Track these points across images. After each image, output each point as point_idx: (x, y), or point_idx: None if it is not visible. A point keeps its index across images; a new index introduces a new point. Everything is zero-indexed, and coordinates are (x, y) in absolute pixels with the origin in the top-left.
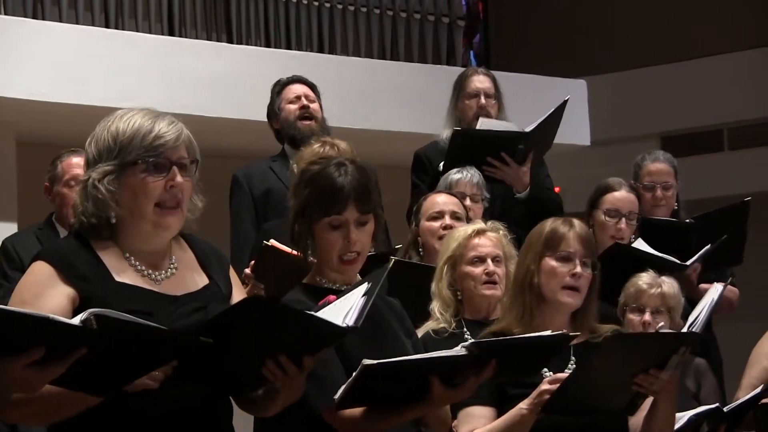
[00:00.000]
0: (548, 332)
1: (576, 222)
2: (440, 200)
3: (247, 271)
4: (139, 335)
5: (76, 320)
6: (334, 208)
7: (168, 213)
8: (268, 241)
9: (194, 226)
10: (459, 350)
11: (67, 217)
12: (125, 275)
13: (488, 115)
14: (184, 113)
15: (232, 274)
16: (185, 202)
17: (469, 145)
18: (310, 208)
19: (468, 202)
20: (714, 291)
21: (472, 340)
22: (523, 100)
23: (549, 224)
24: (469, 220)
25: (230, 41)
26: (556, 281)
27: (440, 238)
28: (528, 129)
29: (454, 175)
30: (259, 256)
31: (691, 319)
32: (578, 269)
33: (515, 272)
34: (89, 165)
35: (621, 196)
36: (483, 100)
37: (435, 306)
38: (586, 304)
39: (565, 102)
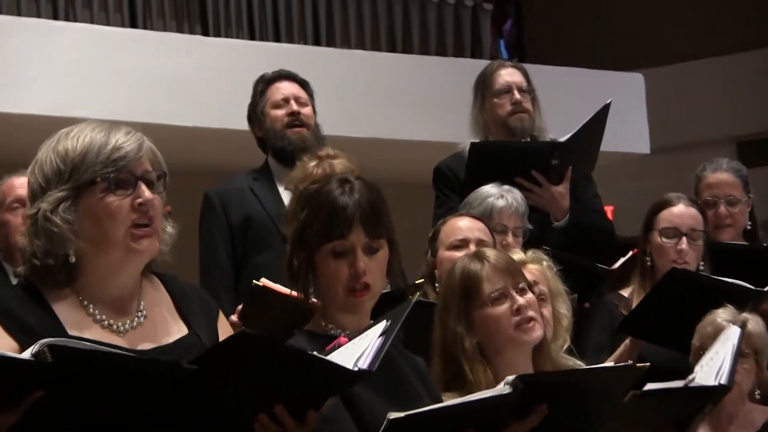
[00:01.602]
0: (611, 363)
1: (488, 252)
2: (463, 225)
3: (234, 318)
4: (105, 365)
5: (26, 354)
6: (336, 230)
7: (141, 234)
8: (258, 280)
9: (169, 259)
10: (502, 389)
11: (14, 252)
12: (82, 328)
13: (526, 113)
14: (148, 122)
15: (222, 324)
16: (159, 223)
17: (490, 162)
18: (309, 233)
19: (510, 238)
20: (733, 335)
21: (517, 375)
22: (564, 98)
23: (457, 268)
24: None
25: (205, 33)
26: (503, 326)
27: None
28: (562, 139)
29: (497, 200)
30: (248, 299)
31: (710, 369)
32: (520, 301)
33: (439, 342)
34: (35, 197)
35: (680, 211)
36: (517, 94)
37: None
38: (546, 334)
39: (607, 107)
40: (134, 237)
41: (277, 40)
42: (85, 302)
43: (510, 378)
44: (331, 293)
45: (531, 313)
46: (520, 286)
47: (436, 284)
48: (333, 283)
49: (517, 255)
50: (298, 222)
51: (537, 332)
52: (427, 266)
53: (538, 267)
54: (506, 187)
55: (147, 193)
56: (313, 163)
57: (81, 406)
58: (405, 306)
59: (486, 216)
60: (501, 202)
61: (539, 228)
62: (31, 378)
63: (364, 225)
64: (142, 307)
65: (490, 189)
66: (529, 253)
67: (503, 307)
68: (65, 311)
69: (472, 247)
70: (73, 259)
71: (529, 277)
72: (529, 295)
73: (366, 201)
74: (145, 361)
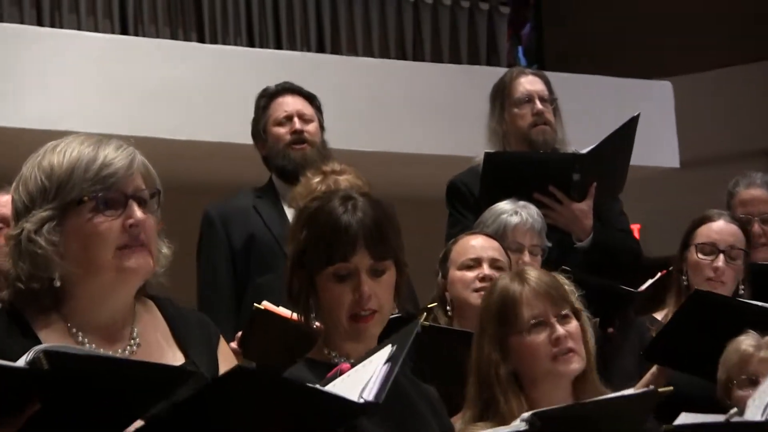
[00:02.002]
0: (631, 390)
1: (529, 273)
2: (476, 243)
3: (234, 345)
4: (105, 371)
5: (20, 362)
6: (338, 253)
7: (133, 251)
8: (260, 304)
9: (164, 282)
10: (517, 425)
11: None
12: None
13: (548, 124)
14: (140, 136)
15: (223, 351)
16: (153, 245)
17: (506, 175)
18: (309, 255)
19: (526, 257)
20: None
21: (534, 411)
22: (587, 109)
23: (497, 288)
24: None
25: (201, 40)
26: (540, 359)
27: (477, 292)
28: (584, 151)
29: (510, 217)
30: (248, 325)
31: (761, 402)
32: (559, 331)
33: (475, 366)
34: (19, 216)
35: (719, 227)
36: (539, 104)
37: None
38: (589, 364)
39: (635, 119)
40: (124, 255)
41: (279, 47)
42: (74, 329)
43: (526, 415)
44: (333, 319)
45: (571, 344)
46: (563, 312)
47: (448, 307)
48: (335, 309)
49: None
50: (299, 243)
51: (576, 365)
52: (437, 288)
53: None
54: (521, 203)
55: (138, 212)
56: (317, 179)
57: (79, 415)
58: (411, 329)
59: (500, 234)
60: (515, 219)
61: (560, 249)
62: (27, 387)
63: (368, 246)
64: (135, 333)
65: (504, 206)
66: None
67: (541, 336)
68: (52, 339)
69: (486, 267)
70: (58, 284)
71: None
72: (572, 324)
73: (370, 220)
74: (148, 365)
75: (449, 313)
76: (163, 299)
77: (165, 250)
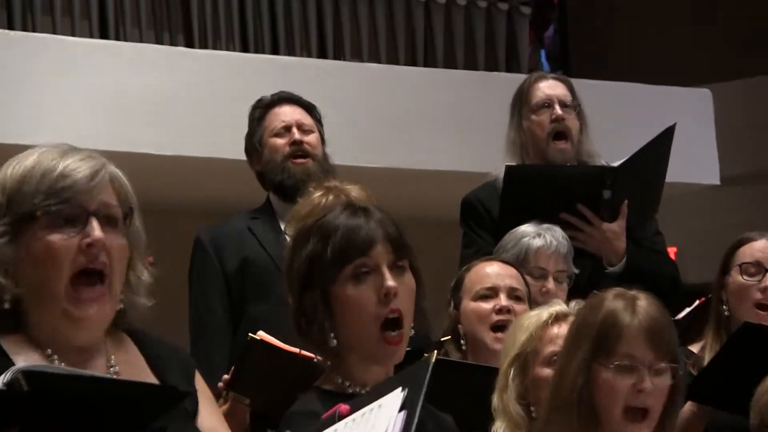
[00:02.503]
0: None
1: (643, 305)
2: (491, 271)
3: (220, 384)
4: (91, 391)
5: None
6: (355, 248)
7: (85, 293)
8: (255, 334)
9: (144, 313)
10: None
11: None
12: None
13: (567, 132)
14: (121, 151)
15: (200, 384)
16: (117, 274)
17: (528, 191)
18: (320, 265)
19: (550, 284)
20: None
21: None
22: (618, 119)
23: (605, 307)
24: (533, 301)
25: (189, 45)
26: (614, 401)
27: (495, 327)
28: (615, 164)
29: (533, 240)
30: (242, 357)
31: None
32: (647, 384)
33: (557, 378)
34: None
35: (762, 245)
36: (558, 109)
37: (499, 428)
38: (662, 427)
39: (671, 130)
40: (76, 299)
41: (275, 52)
42: (48, 350)
43: None
44: (356, 332)
45: (650, 402)
46: (660, 366)
47: (462, 341)
48: (359, 316)
49: (558, 306)
50: (303, 259)
51: (643, 427)
52: (449, 320)
53: None
54: (545, 225)
55: (98, 231)
56: (319, 193)
57: None
58: (423, 369)
59: (521, 259)
60: (538, 242)
61: (590, 274)
62: (4, 411)
63: (388, 238)
64: (113, 361)
65: (525, 228)
66: (572, 304)
67: (624, 382)
68: (22, 358)
69: (503, 298)
70: (7, 306)
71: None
72: (664, 381)
73: (386, 218)
74: (137, 384)
75: (463, 347)
76: (138, 332)
77: (145, 276)
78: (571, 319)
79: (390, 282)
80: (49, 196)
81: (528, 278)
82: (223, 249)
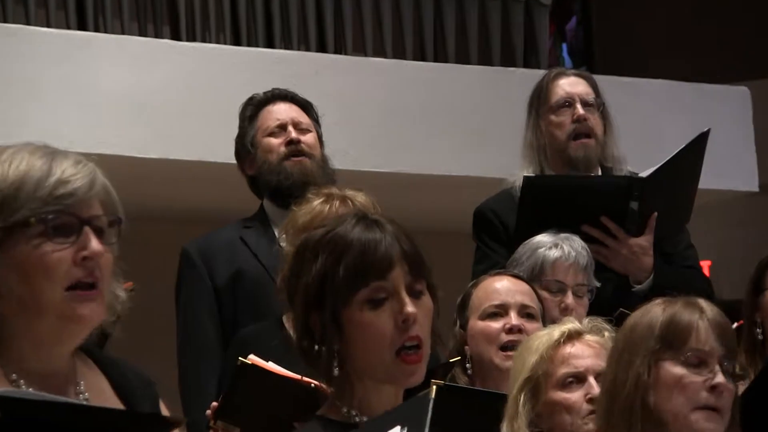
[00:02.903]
0: None
1: (706, 305)
2: (500, 286)
3: (215, 405)
4: (69, 419)
5: None
6: (372, 270)
7: (83, 297)
8: (245, 358)
9: (114, 333)
10: None
11: None
12: None
13: (590, 133)
14: (101, 153)
15: (164, 411)
16: (107, 288)
17: (549, 204)
18: (332, 284)
19: (569, 299)
20: None
21: None
22: (647, 120)
23: (664, 309)
24: (548, 319)
25: (176, 37)
26: (684, 399)
27: (504, 348)
28: (643, 174)
29: (549, 251)
30: (232, 384)
31: None
32: (719, 378)
33: (608, 381)
34: None
35: None
36: (580, 108)
37: None
38: None
39: (705, 136)
40: (76, 299)
41: (270, 45)
42: (14, 375)
43: None
44: (369, 359)
45: (721, 402)
46: (729, 366)
47: (467, 365)
48: (375, 344)
49: (570, 324)
50: (313, 274)
51: (715, 425)
52: (455, 341)
53: (598, 339)
54: (563, 234)
55: (95, 243)
56: (319, 200)
57: None
58: (424, 404)
59: (536, 272)
60: (555, 253)
61: (614, 292)
62: None
63: (405, 258)
64: (82, 387)
65: (541, 238)
66: (586, 321)
67: (696, 378)
68: None
69: (513, 316)
70: None
71: (588, 353)
72: (731, 383)
73: (400, 232)
74: (119, 412)
75: (469, 371)
76: (98, 353)
77: (121, 293)
78: (587, 337)
79: (410, 308)
80: (47, 204)
81: (545, 293)
82: (212, 261)
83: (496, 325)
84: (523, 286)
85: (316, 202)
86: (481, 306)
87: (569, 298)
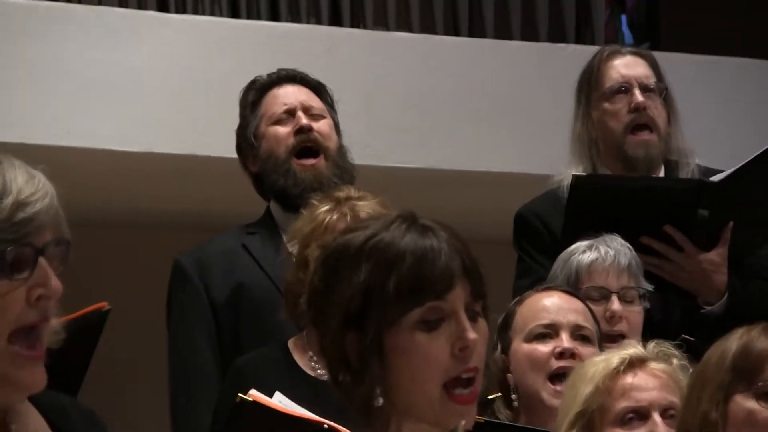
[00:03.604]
0: None
1: None
2: (550, 303)
3: None
4: None
5: None
6: (430, 287)
7: (29, 357)
8: (245, 393)
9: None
10: None
11: None
12: None
13: (651, 123)
14: (78, 146)
15: None
16: (47, 329)
17: (601, 210)
18: (378, 301)
19: (615, 304)
20: None
21: None
22: (721, 106)
23: (740, 336)
24: (605, 340)
25: (164, 9)
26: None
27: (554, 376)
28: (715, 178)
29: (584, 254)
30: (228, 424)
31: None
32: None
33: (680, 421)
34: None
35: None
36: (639, 95)
37: None
38: None
39: None
40: (17, 360)
41: (275, 18)
42: None
43: None
44: (414, 390)
45: None
46: None
47: (513, 395)
48: (424, 372)
49: (633, 349)
50: (354, 288)
51: None
52: (496, 368)
53: (664, 367)
54: (599, 237)
55: (54, 279)
56: (325, 207)
57: None
58: None
59: (573, 281)
60: (590, 256)
61: (683, 314)
62: None
63: (468, 275)
64: (13, 429)
65: (576, 244)
66: (651, 346)
67: None
68: None
69: (565, 338)
70: None
71: (653, 384)
72: None
73: (460, 242)
74: None
75: (514, 403)
76: (44, 395)
77: (57, 327)
78: (651, 365)
79: (471, 335)
80: (2, 232)
81: (588, 303)
82: (210, 274)
83: (544, 348)
84: (577, 304)
85: (322, 210)
86: (526, 326)
87: (615, 304)
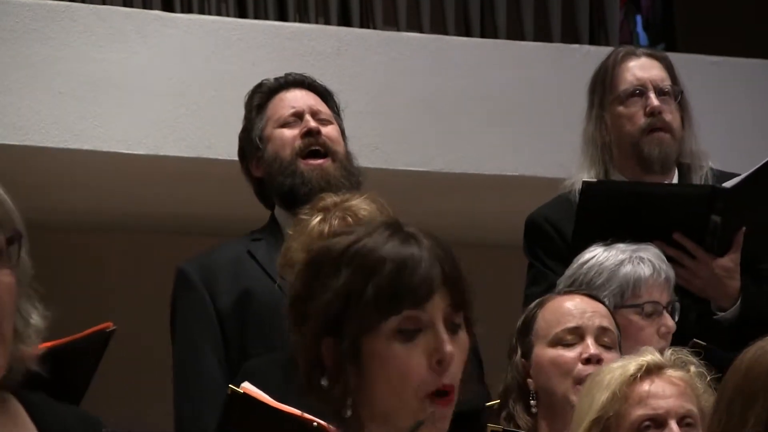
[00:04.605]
0: None
1: None
2: (574, 307)
3: None
4: None
5: None
6: (409, 295)
7: None
8: (237, 387)
9: (33, 367)
10: None
11: None
12: None
13: (667, 128)
14: (76, 148)
15: None
16: (8, 318)
17: (612, 216)
18: (357, 307)
19: (669, 320)
20: None
21: None
22: (736, 108)
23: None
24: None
25: (169, 8)
26: None
27: (578, 382)
28: (728, 184)
29: (638, 267)
30: (222, 417)
31: None
32: None
33: None
34: None
35: None
36: (654, 99)
37: None
38: None
39: None
40: None
41: (283, 18)
42: None
43: None
44: (391, 401)
45: None
46: None
47: (531, 401)
48: (400, 383)
49: (650, 355)
50: (334, 293)
51: None
52: (514, 373)
53: (682, 375)
54: (633, 245)
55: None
56: (317, 219)
57: None
58: None
59: (628, 295)
60: (645, 270)
61: (701, 317)
62: None
63: (448, 284)
64: None
65: (609, 253)
66: (669, 353)
67: None
68: None
69: (591, 343)
70: None
71: (670, 392)
72: None
73: (443, 251)
74: None
75: (533, 409)
76: (29, 395)
77: (35, 319)
78: (669, 372)
79: (448, 347)
80: None
81: (635, 317)
82: (215, 281)
83: (570, 354)
84: (600, 308)
85: (313, 222)
86: (549, 330)
87: (669, 320)
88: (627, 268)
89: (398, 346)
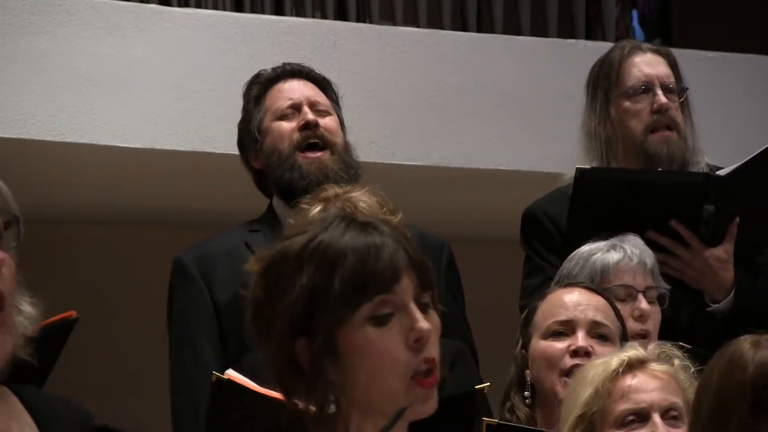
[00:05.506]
0: None
1: None
2: (569, 300)
3: None
4: None
5: None
6: (376, 281)
7: None
8: (222, 374)
9: (26, 357)
10: None
11: None
12: None
13: (673, 126)
14: (75, 142)
15: None
16: (11, 299)
17: (606, 202)
18: (324, 302)
19: (643, 303)
20: None
21: None
22: (731, 103)
23: (753, 359)
24: (627, 338)
25: (165, 2)
26: None
27: (565, 373)
28: (722, 172)
29: (608, 254)
30: (209, 405)
31: None
32: None
33: None
34: None
35: None
36: (662, 96)
37: None
38: None
39: None
40: None
41: (280, 12)
42: None
43: None
44: (376, 389)
45: None
46: None
47: (526, 393)
48: (382, 369)
49: (633, 351)
50: (297, 293)
51: None
52: (515, 364)
53: (665, 369)
54: (616, 236)
55: (1, 253)
56: (317, 209)
57: None
58: None
59: (598, 281)
60: (615, 255)
61: (694, 311)
62: None
63: (413, 266)
64: None
65: (593, 245)
66: (652, 347)
67: None
68: None
69: (580, 336)
70: None
71: (653, 386)
72: None
73: (402, 236)
74: None
75: (527, 400)
76: (22, 387)
77: (26, 308)
78: (652, 366)
79: (424, 324)
80: None
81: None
82: (212, 273)
83: (559, 345)
84: (598, 300)
85: (313, 212)
86: (544, 322)
87: (643, 302)
88: (596, 256)
89: (373, 331)
